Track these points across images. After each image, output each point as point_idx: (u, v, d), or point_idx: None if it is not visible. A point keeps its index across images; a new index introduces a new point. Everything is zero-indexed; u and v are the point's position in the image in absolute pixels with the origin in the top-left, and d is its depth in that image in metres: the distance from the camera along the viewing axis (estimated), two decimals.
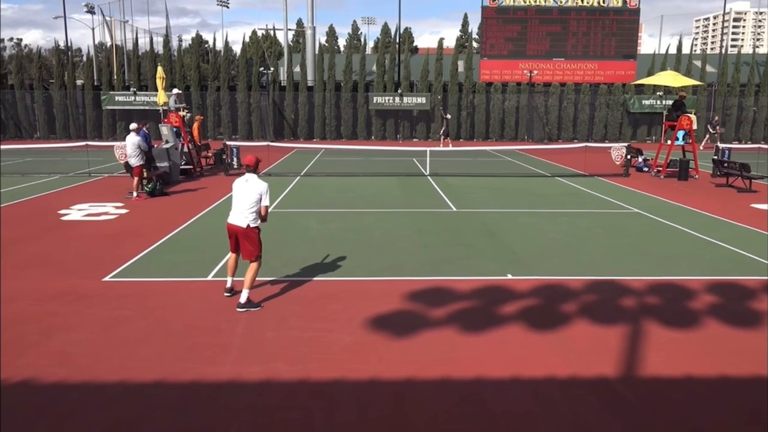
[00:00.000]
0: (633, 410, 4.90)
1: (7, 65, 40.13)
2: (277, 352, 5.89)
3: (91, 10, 48.12)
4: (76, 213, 12.87)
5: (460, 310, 7.07)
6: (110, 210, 13.22)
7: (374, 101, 35.61)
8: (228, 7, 52.02)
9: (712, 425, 4.70)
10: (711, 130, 31.91)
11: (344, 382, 5.31)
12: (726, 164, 18.04)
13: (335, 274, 8.49)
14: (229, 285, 7.48)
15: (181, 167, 18.39)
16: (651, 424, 4.70)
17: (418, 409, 4.87)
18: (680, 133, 19.80)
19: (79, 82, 36.66)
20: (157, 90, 19.67)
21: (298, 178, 18.82)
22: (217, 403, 4.93)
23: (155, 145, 16.98)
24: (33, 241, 10.42)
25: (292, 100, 35.80)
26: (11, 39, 76.92)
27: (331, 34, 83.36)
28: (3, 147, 20.87)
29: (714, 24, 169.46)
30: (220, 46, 35.91)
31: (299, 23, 71.80)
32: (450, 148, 27.83)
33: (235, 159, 20.72)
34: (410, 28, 78.54)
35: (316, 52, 37.71)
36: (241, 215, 7.05)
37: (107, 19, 51.47)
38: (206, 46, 48.49)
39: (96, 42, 51.72)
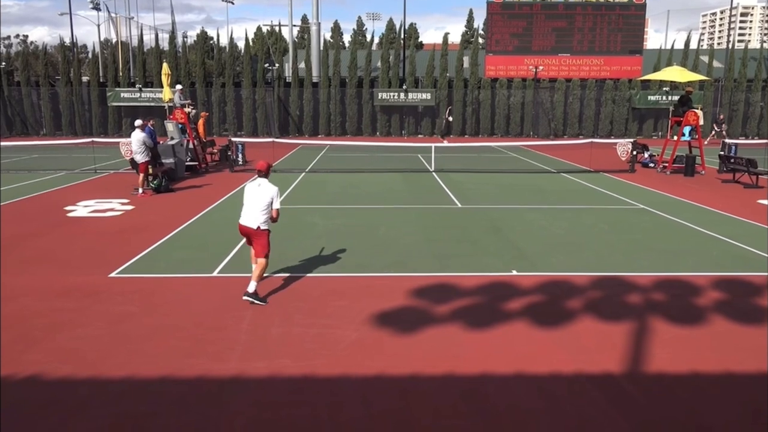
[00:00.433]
0: (638, 407, 4.89)
1: (13, 62, 40.27)
2: (282, 349, 5.90)
3: (96, 7, 48.16)
4: (82, 209, 12.91)
5: (465, 307, 7.06)
6: (116, 206, 13.26)
7: (379, 97, 35.56)
8: (233, 3, 52.06)
9: (717, 422, 4.68)
10: (716, 128, 31.74)
11: (349, 378, 5.31)
12: (733, 160, 17.94)
13: (340, 271, 8.49)
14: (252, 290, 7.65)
15: (187, 164, 18.41)
16: (656, 421, 4.69)
17: (423, 405, 4.88)
18: (686, 129, 19.69)
19: (84, 78, 36.73)
20: (162, 87, 19.69)
21: (303, 174, 18.83)
22: (222, 399, 4.94)
23: (161, 142, 17.02)
24: (39, 237, 10.46)
25: (297, 97, 35.79)
26: (17, 36, 77.25)
27: (336, 30, 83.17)
28: (10, 144, 20.96)
29: (721, 19, 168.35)
30: (225, 42, 35.76)
31: (304, 19, 71.73)
32: (445, 143, 28.40)
33: (240, 155, 20.75)
34: (415, 24, 78.24)
35: (321, 48, 37.66)
36: (253, 217, 7.27)
37: (113, 15, 51.53)
38: (211, 42, 48.52)
39: (101, 39, 51.78)
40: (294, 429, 4.55)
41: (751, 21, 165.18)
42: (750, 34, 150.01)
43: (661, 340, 6.16)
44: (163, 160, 16.29)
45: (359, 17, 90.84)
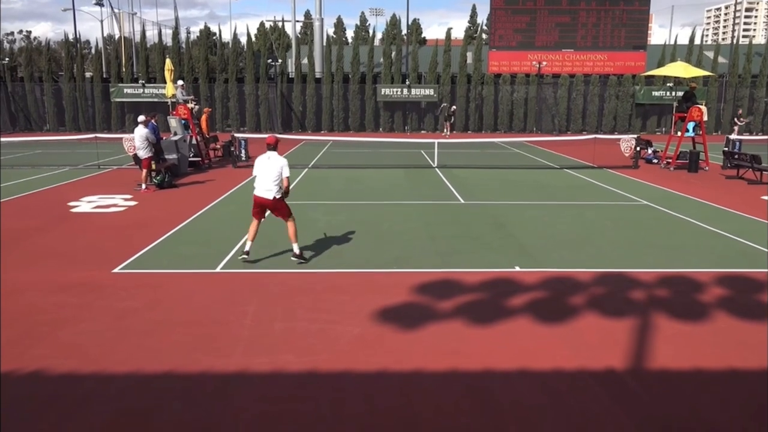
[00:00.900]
0: (641, 403, 4.89)
1: (16, 58, 40.29)
2: (285, 344, 5.91)
3: (99, 2, 48.12)
4: (85, 205, 12.94)
5: (468, 302, 7.06)
6: (119, 202, 13.28)
7: (382, 93, 35.52)
8: None
9: (720, 418, 4.68)
10: (738, 122, 31.35)
11: (352, 374, 5.32)
12: (736, 156, 17.88)
13: (343, 266, 8.50)
14: (247, 249, 8.33)
15: (190, 159, 18.44)
16: (659, 417, 4.69)
17: (426, 401, 4.88)
18: (690, 125, 19.63)
19: (88, 74, 36.77)
20: (165, 82, 19.70)
21: (306, 170, 18.83)
22: (226, 394, 4.96)
23: (164, 138, 17.03)
24: (43, 232, 10.49)
25: (300, 92, 35.78)
26: (21, 31, 77.27)
27: (339, 25, 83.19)
28: (14, 139, 20.99)
29: (726, 14, 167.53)
30: (228, 38, 35.87)
31: (307, 15, 71.74)
32: (446, 134, 28.80)
33: (243, 151, 20.75)
34: (418, 20, 78.07)
35: (324, 43, 37.62)
36: (267, 189, 8.12)
37: (116, 11, 51.53)
38: (214, 38, 48.48)
39: (105, 34, 51.82)
40: (297, 424, 4.56)
41: (756, 16, 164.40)
42: (755, 30, 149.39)
43: (663, 336, 6.16)
44: (166, 156, 16.31)
45: (362, 13, 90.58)
